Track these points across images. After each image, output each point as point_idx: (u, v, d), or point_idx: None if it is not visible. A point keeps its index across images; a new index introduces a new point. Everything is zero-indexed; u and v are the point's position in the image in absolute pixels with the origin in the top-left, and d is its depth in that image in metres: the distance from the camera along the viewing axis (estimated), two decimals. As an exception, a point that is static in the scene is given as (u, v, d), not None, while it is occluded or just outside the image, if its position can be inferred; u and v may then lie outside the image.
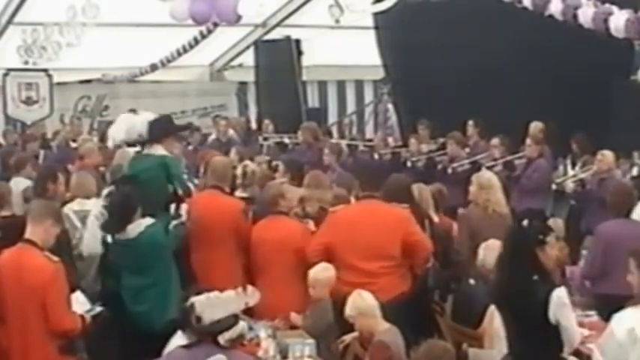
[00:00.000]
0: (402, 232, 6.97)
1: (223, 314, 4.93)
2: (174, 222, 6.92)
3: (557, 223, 8.63)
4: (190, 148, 14.03)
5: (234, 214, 7.42)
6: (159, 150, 7.16)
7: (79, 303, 6.06)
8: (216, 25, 14.58)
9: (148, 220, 6.85)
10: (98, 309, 6.15)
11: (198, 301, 4.94)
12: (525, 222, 5.26)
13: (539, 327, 5.09)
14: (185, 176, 7.16)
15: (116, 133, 7.36)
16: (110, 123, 16.85)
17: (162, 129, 7.22)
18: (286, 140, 14.18)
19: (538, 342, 5.14)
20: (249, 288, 5.21)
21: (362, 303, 6.14)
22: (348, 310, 6.16)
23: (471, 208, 8.00)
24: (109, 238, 6.96)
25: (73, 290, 6.01)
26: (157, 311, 6.51)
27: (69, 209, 7.58)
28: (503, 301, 5.36)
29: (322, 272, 6.70)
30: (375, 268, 6.87)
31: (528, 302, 5.09)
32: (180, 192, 6.98)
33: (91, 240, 7.17)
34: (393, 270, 6.93)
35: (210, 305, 4.94)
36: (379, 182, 7.31)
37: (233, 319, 5.14)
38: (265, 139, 14.76)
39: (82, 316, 5.92)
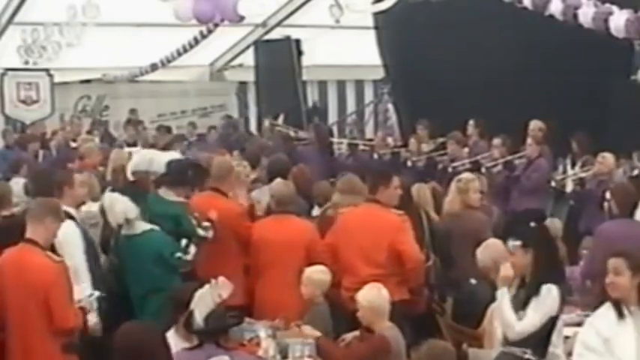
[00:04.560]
0: (390, 239, 6.93)
1: (206, 309, 4.98)
2: (179, 254, 6.81)
3: (554, 224, 8.64)
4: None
5: (231, 218, 7.30)
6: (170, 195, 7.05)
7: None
8: (216, 24, 14.60)
9: (157, 227, 6.85)
10: (97, 293, 6.15)
11: (192, 304, 4.99)
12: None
13: None
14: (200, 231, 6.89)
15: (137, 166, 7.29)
16: (100, 120, 17.15)
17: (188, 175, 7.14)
18: (292, 133, 14.34)
19: None
20: (220, 279, 5.24)
21: (376, 298, 6.15)
22: (360, 297, 6.17)
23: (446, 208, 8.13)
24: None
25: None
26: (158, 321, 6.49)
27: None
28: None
29: (317, 273, 6.70)
30: (366, 274, 6.84)
31: None
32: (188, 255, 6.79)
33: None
34: (383, 278, 6.73)
35: (195, 305, 5.00)
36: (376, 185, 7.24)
37: (231, 320, 5.17)
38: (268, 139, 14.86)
39: (82, 308, 5.92)
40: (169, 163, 7.20)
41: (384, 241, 6.92)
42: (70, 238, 6.44)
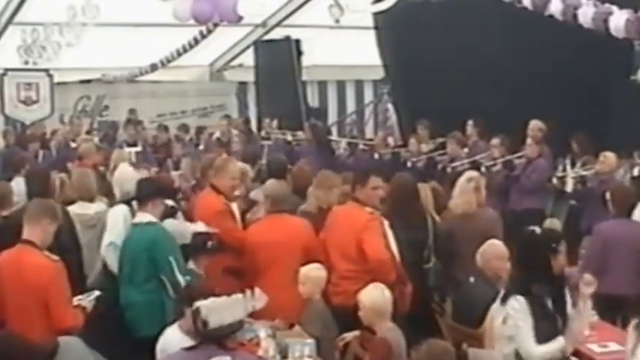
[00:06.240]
0: (357, 236, 6.96)
1: (231, 318, 4.91)
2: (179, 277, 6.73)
3: (554, 224, 8.64)
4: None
5: (210, 217, 7.31)
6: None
7: None
8: (216, 25, 14.60)
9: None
10: (96, 293, 6.15)
11: (203, 305, 4.91)
12: (537, 229, 5.48)
13: None
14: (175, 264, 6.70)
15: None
16: (112, 122, 17.20)
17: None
18: (289, 137, 14.32)
19: None
20: (257, 291, 5.19)
21: (379, 298, 6.15)
22: (363, 297, 6.18)
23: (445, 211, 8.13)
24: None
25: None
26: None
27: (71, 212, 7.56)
28: None
29: (313, 271, 6.70)
30: (343, 269, 6.98)
31: None
32: (170, 289, 6.65)
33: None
34: (359, 274, 6.82)
35: (216, 310, 4.91)
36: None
37: (238, 323, 5.14)
38: (267, 139, 14.84)
39: (82, 307, 5.92)
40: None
41: (353, 238, 6.99)
42: (119, 216, 7.08)
